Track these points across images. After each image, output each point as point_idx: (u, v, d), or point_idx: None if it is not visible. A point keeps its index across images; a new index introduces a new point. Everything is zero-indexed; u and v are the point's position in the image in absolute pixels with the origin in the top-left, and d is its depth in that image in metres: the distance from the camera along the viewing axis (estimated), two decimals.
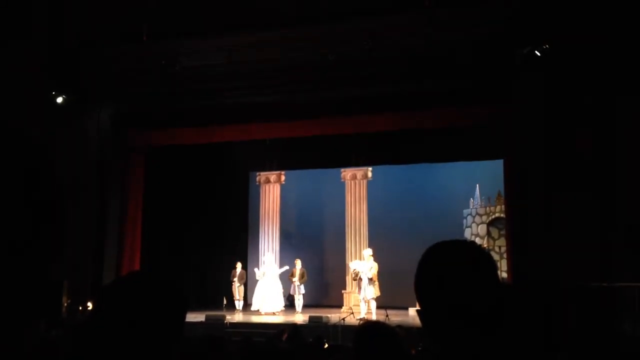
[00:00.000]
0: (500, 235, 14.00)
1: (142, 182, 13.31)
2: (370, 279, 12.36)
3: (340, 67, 10.68)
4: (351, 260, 14.11)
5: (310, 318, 11.80)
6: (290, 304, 14.72)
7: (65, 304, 11.43)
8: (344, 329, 10.57)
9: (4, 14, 10.07)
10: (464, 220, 14.96)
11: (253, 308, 14.12)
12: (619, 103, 9.17)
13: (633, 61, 9.05)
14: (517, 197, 10.57)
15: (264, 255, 15.36)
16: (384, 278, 12.94)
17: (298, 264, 14.26)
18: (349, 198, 15.01)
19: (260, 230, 15.92)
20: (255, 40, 10.81)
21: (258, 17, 10.47)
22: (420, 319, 1.36)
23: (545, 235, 9.59)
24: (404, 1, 9.94)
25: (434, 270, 1.35)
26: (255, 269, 14.69)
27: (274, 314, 13.65)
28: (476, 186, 14.64)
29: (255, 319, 13.15)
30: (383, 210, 15.48)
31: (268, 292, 13.94)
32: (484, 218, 14.41)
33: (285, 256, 15.48)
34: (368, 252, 12.91)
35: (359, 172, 15.03)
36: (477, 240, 13.77)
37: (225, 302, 14.46)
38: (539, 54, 9.38)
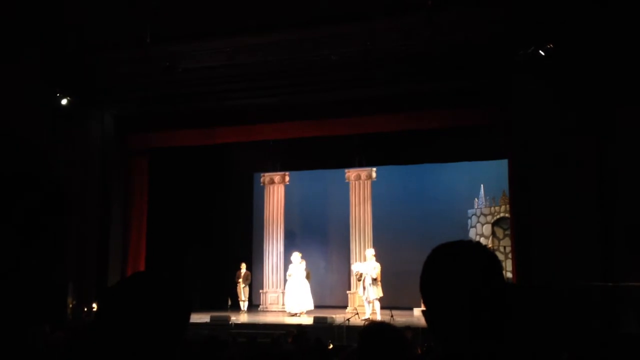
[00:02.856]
0: (505, 235, 13.96)
1: (146, 184, 13.33)
2: (375, 280, 12.33)
3: (342, 68, 10.68)
4: (355, 261, 14.08)
5: (315, 319, 11.78)
6: None
7: (70, 306, 11.46)
8: (348, 329, 10.55)
9: (7, 18, 10.09)
10: (469, 221, 14.92)
11: (286, 310, 14.00)
12: (619, 103, 9.15)
13: (634, 61, 9.03)
14: (521, 197, 10.55)
15: (271, 254, 15.36)
16: (389, 278, 12.91)
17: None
18: (353, 198, 14.99)
19: (265, 231, 15.91)
20: (256, 41, 10.82)
21: (259, 19, 10.49)
22: (426, 319, 1.35)
23: (549, 235, 9.57)
24: (405, 2, 9.94)
25: (440, 271, 1.35)
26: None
27: (296, 314, 13.45)
28: (481, 186, 14.60)
29: (260, 319, 13.13)
30: (387, 210, 15.45)
31: (296, 293, 13.81)
32: (489, 218, 14.38)
33: (290, 257, 15.47)
34: (370, 252, 12.88)
35: (363, 172, 15.00)
36: (482, 240, 13.74)
37: (229, 302, 14.43)
38: (543, 53, 9.36)
